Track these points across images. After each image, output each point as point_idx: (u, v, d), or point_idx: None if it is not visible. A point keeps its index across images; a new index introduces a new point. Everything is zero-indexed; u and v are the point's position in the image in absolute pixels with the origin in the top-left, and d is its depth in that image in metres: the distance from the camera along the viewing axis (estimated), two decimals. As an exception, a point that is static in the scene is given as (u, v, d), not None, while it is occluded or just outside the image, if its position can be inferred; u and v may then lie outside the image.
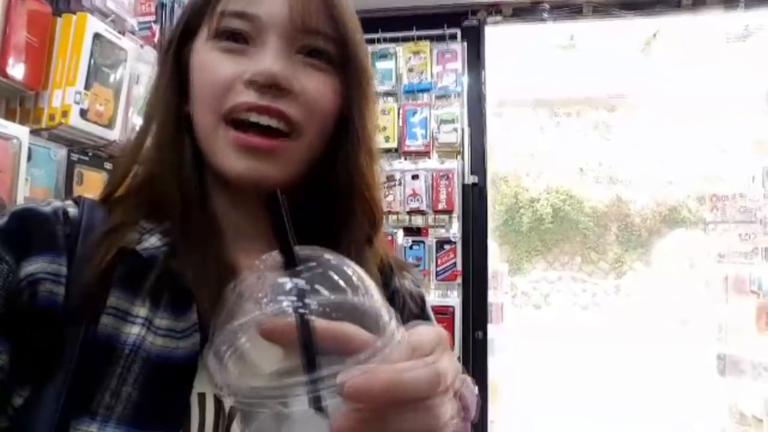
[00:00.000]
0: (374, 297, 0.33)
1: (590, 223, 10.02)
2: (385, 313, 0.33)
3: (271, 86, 0.45)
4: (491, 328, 2.54)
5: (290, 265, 0.32)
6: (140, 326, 0.43)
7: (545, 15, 2.61)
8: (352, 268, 0.34)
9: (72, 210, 0.47)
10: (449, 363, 0.32)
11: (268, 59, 0.45)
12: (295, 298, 0.31)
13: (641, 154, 10.28)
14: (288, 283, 0.31)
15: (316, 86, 0.47)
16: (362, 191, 0.51)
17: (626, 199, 10.17)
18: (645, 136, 10.20)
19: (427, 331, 0.33)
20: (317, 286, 0.31)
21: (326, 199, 0.51)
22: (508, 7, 2.59)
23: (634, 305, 8.66)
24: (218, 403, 0.44)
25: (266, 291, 0.32)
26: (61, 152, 1.07)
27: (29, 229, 0.45)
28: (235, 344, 0.32)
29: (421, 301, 0.61)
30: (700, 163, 9.93)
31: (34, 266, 0.43)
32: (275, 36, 0.46)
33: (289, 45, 0.47)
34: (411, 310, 0.58)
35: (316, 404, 0.30)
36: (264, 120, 0.45)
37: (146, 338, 0.43)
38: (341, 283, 0.32)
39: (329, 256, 0.34)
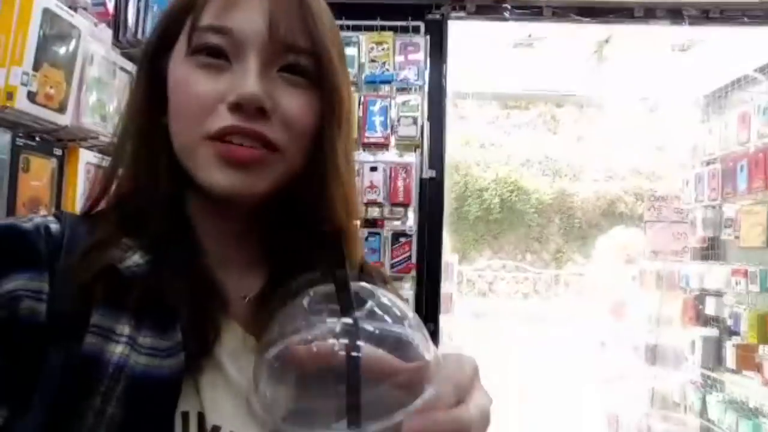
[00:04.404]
0: (412, 325, 0.36)
1: (535, 214, 10.36)
2: (422, 339, 0.36)
3: (254, 109, 0.45)
4: (441, 319, 2.60)
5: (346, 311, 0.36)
6: (124, 345, 0.43)
7: (507, 14, 2.64)
8: (388, 298, 0.37)
9: (54, 226, 0.47)
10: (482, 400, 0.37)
11: (250, 81, 0.44)
12: (345, 338, 0.34)
13: (585, 149, 10.69)
14: (337, 324, 0.35)
15: (295, 105, 0.47)
16: (333, 217, 0.50)
17: (569, 192, 10.57)
18: (589, 132, 10.60)
19: (463, 366, 0.37)
20: (364, 325, 0.35)
21: (300, 214, 0.51)
22: (471, 3, 2.61)
23: (572, 294, 9.07)
24: (201, 421, 0.44)
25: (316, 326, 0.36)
26: (5, 137, 1.00)
27: (9, 246, 0.44)
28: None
29: None
30: (639, 162, 10.45)
31: (14, 283, 0.42)
32: (254, 53, 0.45)
33: (269, 63, 0.46)
34: None
35: None
36: (247, 142, 0.45)
37: (130, 357, 0.42)
38: (386, 316, 0.36)
39: (378, 293, 0.38)
